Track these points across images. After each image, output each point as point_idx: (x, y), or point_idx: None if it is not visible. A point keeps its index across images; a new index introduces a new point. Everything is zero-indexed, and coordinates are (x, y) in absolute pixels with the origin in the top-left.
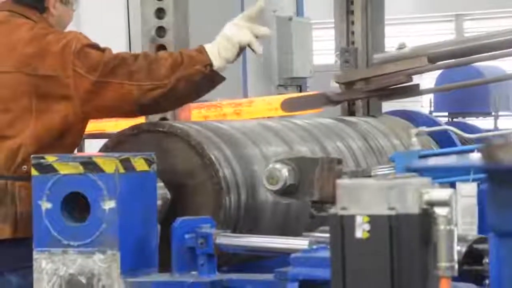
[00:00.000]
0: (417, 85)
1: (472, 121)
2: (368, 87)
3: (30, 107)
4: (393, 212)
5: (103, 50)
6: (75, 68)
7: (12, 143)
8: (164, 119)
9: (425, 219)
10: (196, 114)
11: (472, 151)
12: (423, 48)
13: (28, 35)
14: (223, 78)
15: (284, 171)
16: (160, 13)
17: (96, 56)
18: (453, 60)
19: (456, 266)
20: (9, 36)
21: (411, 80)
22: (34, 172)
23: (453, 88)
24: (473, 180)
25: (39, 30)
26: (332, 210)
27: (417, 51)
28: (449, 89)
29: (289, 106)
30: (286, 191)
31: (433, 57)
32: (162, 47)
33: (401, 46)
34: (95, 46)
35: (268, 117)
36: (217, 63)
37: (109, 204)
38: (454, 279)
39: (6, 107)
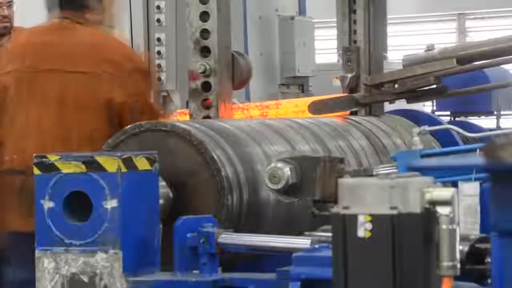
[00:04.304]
0: (445, 87)
1: (474, 120)
2: (396, 89)
3: (100, 109)
4: (395, 212)
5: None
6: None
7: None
8: (207, 117)
9: (427, 218)
10: None
11: (474, 150)
12: (452, 49)
13: (94, 39)
14: None
15: (286, 170)
16: (204, 16)
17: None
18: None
19: (458, 265)
20: (85, 38)
21: (440, 82)
22: (36, 171)
23: (477, 91)
24: (476, 179)
25: (100, 35)
26: (334, 209)
27: (445, 53)
28: (471, 93)
29: (316, 108)
30: (288, 190)
31: (462, 59)
32: (205, 49)
33: (430, 48)
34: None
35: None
36: None
37: (111, 203)
38: (456, 278)
39: (81, 106)
